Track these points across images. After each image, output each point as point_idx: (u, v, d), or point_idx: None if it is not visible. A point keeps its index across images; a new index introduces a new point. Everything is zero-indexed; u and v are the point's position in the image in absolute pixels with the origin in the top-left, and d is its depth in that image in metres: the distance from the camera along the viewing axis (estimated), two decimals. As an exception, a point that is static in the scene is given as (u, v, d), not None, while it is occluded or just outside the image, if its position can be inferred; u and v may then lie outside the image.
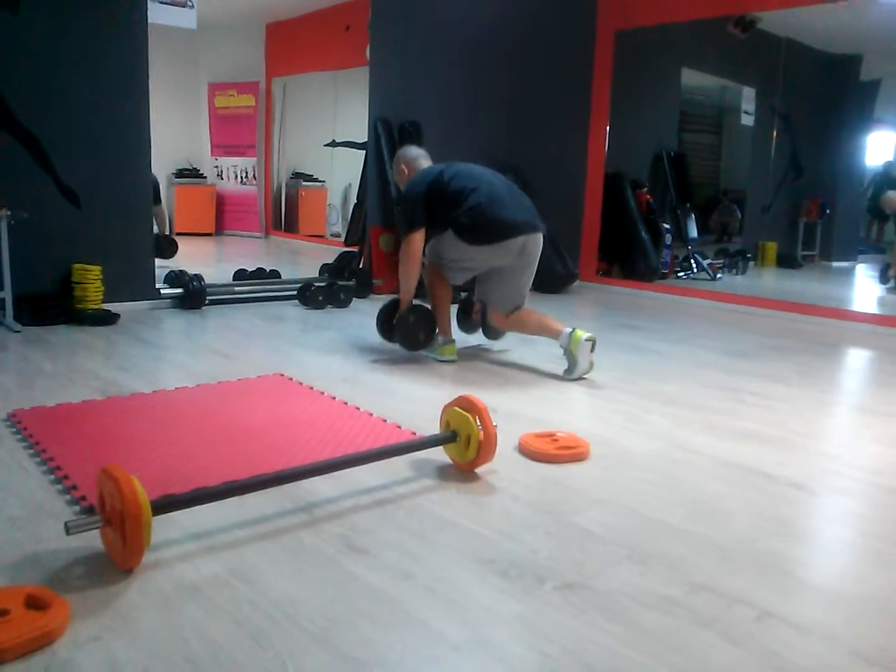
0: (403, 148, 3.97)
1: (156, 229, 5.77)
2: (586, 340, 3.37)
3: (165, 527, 1.80)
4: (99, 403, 2.81)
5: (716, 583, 1.69)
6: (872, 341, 4.77)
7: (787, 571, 1.77)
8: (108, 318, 4.23)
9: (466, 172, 3.60)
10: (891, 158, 6.09)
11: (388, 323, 3.76)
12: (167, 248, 6.57)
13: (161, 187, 8.52)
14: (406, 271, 3.63)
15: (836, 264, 6.71)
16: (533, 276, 3.67)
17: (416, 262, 3.61)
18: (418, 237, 3.56)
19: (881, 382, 3.88)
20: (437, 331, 3.73)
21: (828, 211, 6.42)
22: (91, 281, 4.28)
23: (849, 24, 5.62)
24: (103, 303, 4.35)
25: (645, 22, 6.27)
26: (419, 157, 3.85)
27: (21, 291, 4.07)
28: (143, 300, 4.70)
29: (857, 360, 4.50)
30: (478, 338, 4.11)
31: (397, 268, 5.66)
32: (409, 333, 3.68)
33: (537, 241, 3.58)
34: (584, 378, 3.43)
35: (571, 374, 3.42)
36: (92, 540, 1.70)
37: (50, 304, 4.17)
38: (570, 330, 3.43)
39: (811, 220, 6.47)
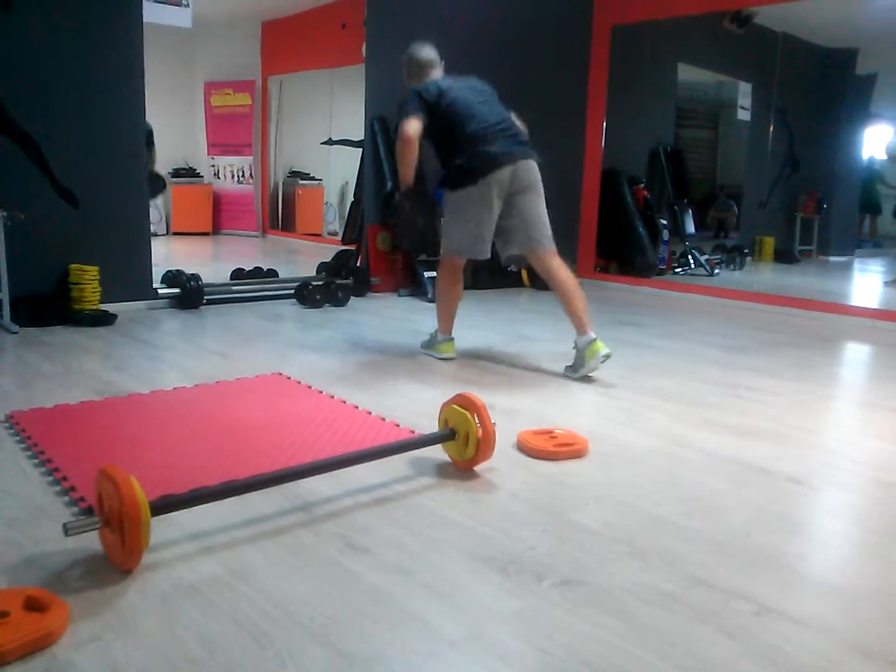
0: (415, 46, 3.72)
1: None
2: (602, 356, 3.34)
3: (164, 527, 1.80)
4: (97, 404, 2.81)
5: (714, 578, 1.69)
6: (871, 336, 4.77)
7: (786, 566, 1.77)
8: (106, 319, 4.23)
9: (462, 104, 3.46)
10: (875, 154, 6.10)
11: (387, 207, 3.68)
12: (154, 183, 6.42)
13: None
14: (402, 156, 3.48)
15: (833, 259, 6.71)
16: (545, 210, 3.56)
17: (411, 146, 3.41)
18: (414, 122, 3.38)
19: (879, 377, 3.88)
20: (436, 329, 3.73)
21: (825, 206, 6.42)
22: (88, 281, 4.28)
23: (845, 18, 5.62)
24: (101, 303, 4.35)
25: (641, 17, 6.27)
26: (429, 66, 3.65)
27: (18, 292, 4.07)
28: (140, 300, 4.70)
29: (855, 354, 4.51)
30: (477, 336, 4.11)
31: (394, 266, 5.74)
32: (408, 221, 3.61)
33: (528, 168, 3.48)
34: (584, 377, 3.43)
35: (573, 372, 3.41)
36: (91, 541, 1.70)
37: (47, 305, 4.17)
38: (594, 337, 3.36)
39: (808, 215, 6.47)
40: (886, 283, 5.78)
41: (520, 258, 3.71)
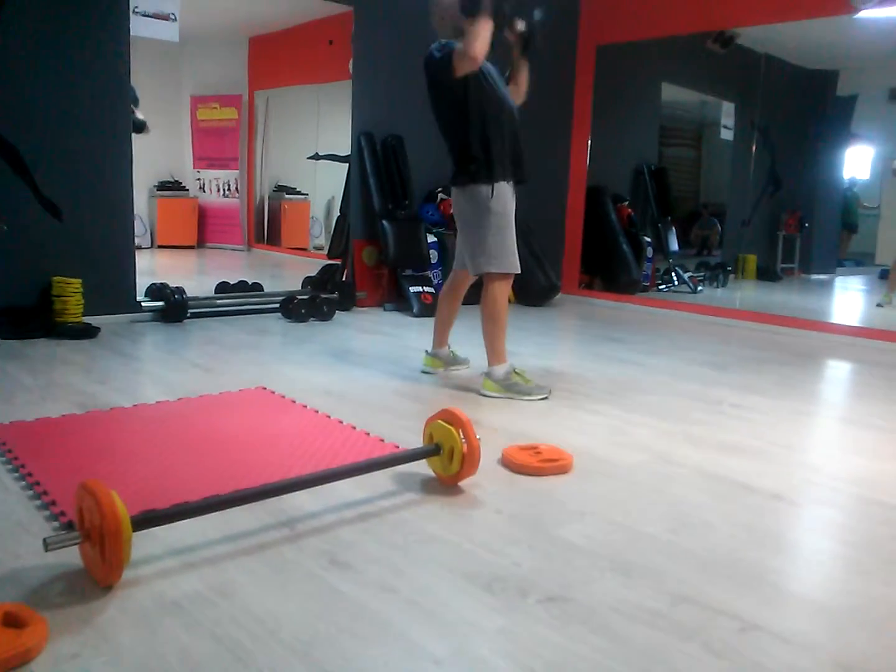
0: None
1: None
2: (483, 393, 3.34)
3: (146, 543, 1.78)
4: (79, 418, 2.78)
5: (699, 594, 1.69)
6: (852, 353, 4.81)
7: (770, 582, 1.78)
8: (89, 332, 4.19)
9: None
10: (854, 174, 6.20)
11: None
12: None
13: (143, 200, 8.51)
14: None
15: (815, 277, 6.79)
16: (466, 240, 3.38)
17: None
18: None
19: (861, 394, 3.92)
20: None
21: (806, 224, 6.50)
22: (71, 294, 4.24)
23: (826, 40, 5.71)
24: (83, 316, 4.31)
25: (626, 37, 6.34)
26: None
27: (0, 304, 4.03)
28: (123, 313, 4.67)
29: (837, 371, 4.55)
30: (461, 351, 4.10)
31: (380, 281, 5.73)
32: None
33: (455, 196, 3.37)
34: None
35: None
36: (71, 556, 1.68)
37: (29, 318, 4.13)
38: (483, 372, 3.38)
39: (790, 233, 6.55)
40: (879, 305, 5.82)
41: None
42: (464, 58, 3.06)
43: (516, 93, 3.48)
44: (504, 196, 3.26)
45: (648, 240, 6.90)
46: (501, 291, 3.32)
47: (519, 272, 3.35)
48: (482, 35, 3.02)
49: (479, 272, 3.34)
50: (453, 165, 3.32)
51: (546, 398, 3.30)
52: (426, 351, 3.72)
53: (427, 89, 3.32)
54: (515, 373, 3.34)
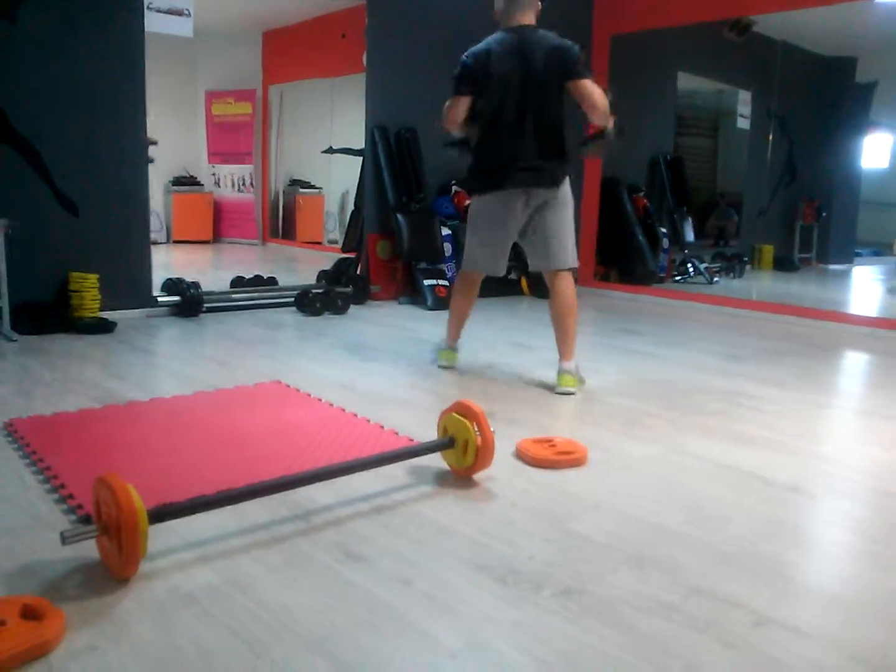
0: None
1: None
2: (559, 391, 3.27)
3: (162, 536, 1.79)
4: (96, 412, 2.80)
5: (713, 587, 1.68)
6: (870, 344, 4.77)
7: (785, 575, 1.76)
8: (106, 327, 4.22)
9: (495, 81, 3.24)
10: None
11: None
12: None
13: (158, 195, 8.56)
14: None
15: (832, 267, 6.73)
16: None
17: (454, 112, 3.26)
18: (462, 101, 3.26)
19: (879, 385, 3.88)
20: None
21: (824, 214, 6.44)
22: (88, 289, 4.28)
23: (844, 26, 5.64)
24: (100, 311, 4.34)
25: (641, 26, 6.29)
26: (511, 9, 3.32)
27: (18, 300, 4.07)
28: (140, 308, 4.69)
29: (854, 362, 4.51)
30: (477, 345, 4.09)
31: (394, 274, 5.73)
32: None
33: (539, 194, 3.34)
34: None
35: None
36: (88, 549, 1.69)
37: (47, 313, 4.16)
38: (562, 369, 3.31)
39: (807, 223, 6.49)
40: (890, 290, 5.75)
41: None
42: (594, 108, 3.18)
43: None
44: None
45: (664, 230, 6.86)
46: (574, 286, 3.39)
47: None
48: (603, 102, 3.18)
49: (569, 266, 3.36)
50: (548, 157, 3.29)
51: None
52: (445, 346, 3.68)
53: (542, 68, 3.24)
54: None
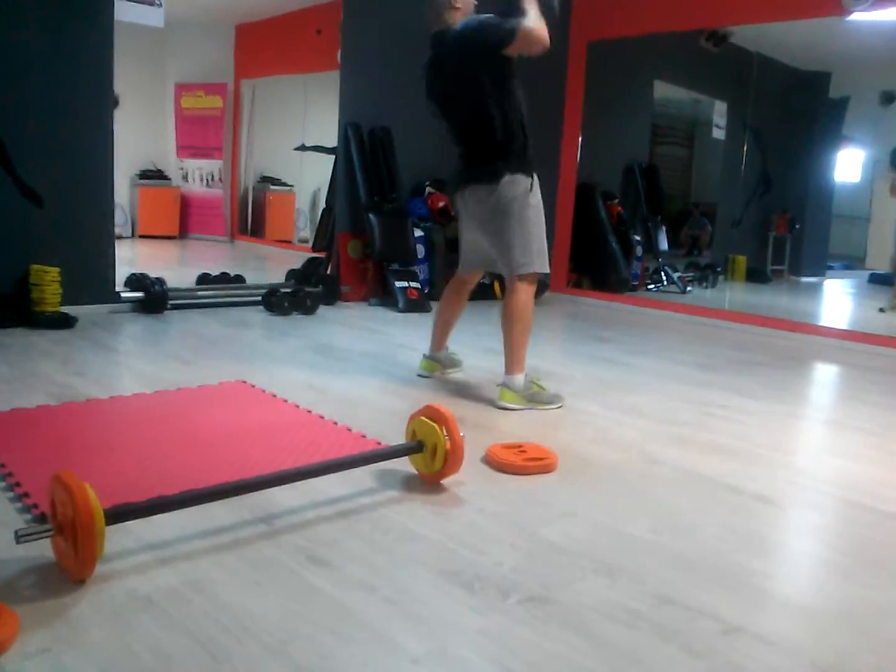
0: None
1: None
2: (500, 405, 3.14)
3: (120, 537, 1.75)
4: (54, 409, 2.73)
5: (681, 596, 1.67)
6: (840, 356, 4.82)
7: (753, 584, 1.76)
8: (66, 322, 4.13)
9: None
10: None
11: None
12: None
13: (124, 189, 8.42)
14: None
15: (804, 279, 6.81)
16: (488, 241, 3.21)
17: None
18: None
19: (848, 397, 3.92)
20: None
21: (797, 226, 6.51)
22: (49, 283, 4.17)
23: (818, 41, 5.72)
24: (61, 306, 4.24)
25: (618, 33, 6.32)
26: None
27: (-24, 293, 3.97)
28: (102, 303, 4.60)
29: (824, 374, 4.55)
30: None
31: (365, 275, 5.69)
32: None
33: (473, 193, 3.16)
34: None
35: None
36: (43, 549, 1.64)
37: (6, 307, 4.06)
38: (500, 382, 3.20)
39: (780, 234, 6.56)
40: (882, 310, 5.78)
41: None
42: (533, 41, 2.90)
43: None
44: (538, 191, 3.13)
45: (638, 238, 6.90)
46: (530, 294, 3.13)
47: (548, 272, 3.22)
48: (540, 22, 2.91)
49: (518, 273, 3.09)
50: (478, 156, 3.11)
51: (561, 407, 3.16)
52: (423, 354, 3.61)
53: (452, 66, 3.09)
54: (532, 381, 3.16)
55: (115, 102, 5.39)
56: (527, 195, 3.08)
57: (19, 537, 1.54)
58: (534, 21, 2.91)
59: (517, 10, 2.93)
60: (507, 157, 3.05)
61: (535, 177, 3.14)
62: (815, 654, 1.49)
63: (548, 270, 3.22)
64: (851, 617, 1.64)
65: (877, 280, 6.08)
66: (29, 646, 1.36)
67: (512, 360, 3.13)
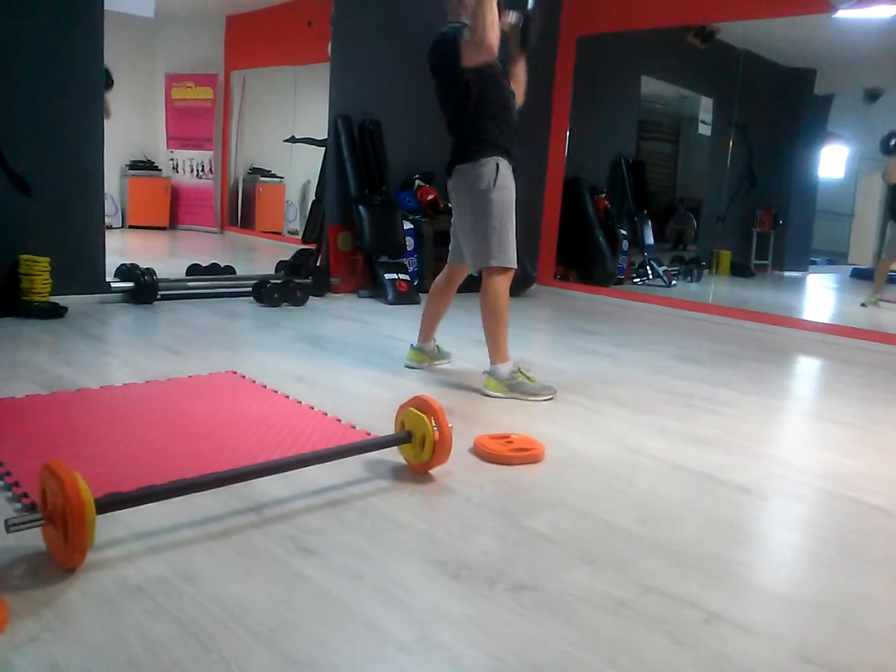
0: None
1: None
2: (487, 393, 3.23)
3: (110, 526, 1.76)
4: (44, 398, 2.73)
5: (665, 585, 1.70)
6: (822, 350, 4.87)
7: (735, 574, 1.79)
8: (56, 312, 4.12)
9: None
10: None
11: None
12: None
13: (114, 179, 8.37)
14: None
15: (788, 274, 6.86)
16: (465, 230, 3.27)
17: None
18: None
19: (830, 390, 3.96)
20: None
21: (780, 222, 6.56)
22: (38, 273, 4.16)
23: (804, 38, 5.75)
24: (51, 295, 4.23)
25: (607, 28, 6.33)
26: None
27: (-35, 282, 3.96)
28: (92, 293, 4.59)
29: (806, 367, 4.60)
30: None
31: (355, 267, 5.70)
32: None
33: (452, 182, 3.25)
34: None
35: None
36: (33, 538, 1.65)
37: (-5, 296, 4.05)
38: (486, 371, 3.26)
39: (764, 230, 6.60)
40: (863, 304, 5.83)
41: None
42: (477, 47, 2.92)
43: (516, 91, 3.32)
44: (507, 184, 3.15)
45: (624, 233, 6.92)
46: (503, 286, 3.19)
47: (516, 267, 3.24)
48: (489, 17, 2.86)
49: (481, 267, 3.20)
50: (455, 151, 3.20)
51: (552, 398, 3.20)
52: (411, 345, 3.63)
53: (432, 72, 3.19)
54: (520, 371, 3.21)
55: (110, 83, 5.34)
56: (491, 188, 3.11)
57: (9, 526, 1.54)
58: (472, 33, 2.94)
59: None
60: (469, 148, 3.14)
61: (506, 168, 3.15)
62: (796, 642, 1.52)
63: (514, 265, 3.21)
64: (833, 606, 1.67)
65: (859, 275, 6.14)
66: (18, 635, 1.37)
67: (492, 351, 3.23)
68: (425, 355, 3.61)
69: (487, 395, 3.19)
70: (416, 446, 2.23)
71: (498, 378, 3.19)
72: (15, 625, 1.39)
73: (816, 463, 2.66)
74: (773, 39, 5.77)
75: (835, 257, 6.43)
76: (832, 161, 6.19)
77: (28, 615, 1.43)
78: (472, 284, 3.52)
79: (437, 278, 3.60)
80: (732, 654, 1.45)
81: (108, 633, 1.39)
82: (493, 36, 2.89)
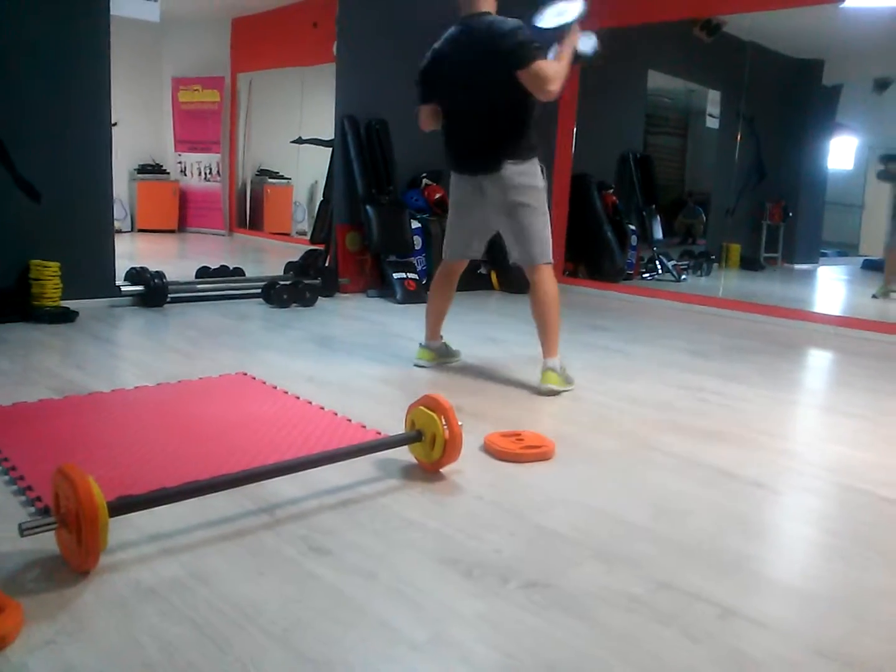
0: None
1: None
2: (545, 390, 3.20)
3: (123, 528, 1.76)
4: (56, 403, 2.74)
5: (678, 581, 1.69)
6: (833, 342, 4.84)
7: (749, 569, 1.78)
8: (67, 316, 4.14)
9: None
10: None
11: None
12: None
13: (123, 183, 8.43)
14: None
15: (798, 266, 6.83)
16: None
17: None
18: (424, 109, 3.35)
19: (842, 383, 3.94)
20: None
21: (790, 214, 6.53)
22: (49, 278, 4.18)
23: (811, 29, 5.72)
24: (62, 300, 4.25)
25: (612, 23, 6.29)
26: None
27: (-24, 288, 3.98)
28: (102, 297, 4.61)
29: (818, 360, 4.57)
30: (446, 339, 4.08)
31: (363, 267, 5.70)
32: None
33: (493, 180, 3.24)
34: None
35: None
36: (47, 542, 1.65)
37: (6, 302, 4.07)
38: (545, 366, 3.25)
39: (774, 222, 6.58)
40: (875, 296, 5.81)
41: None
42: (543, 94, 3.02)
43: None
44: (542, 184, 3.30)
45: (633, 228, 6.91)
46: (554, 281, 3.28)
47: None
48: (564, 75, 3.05)
49: (538, 262, 3.24)
50: (500, 147, 3.18)
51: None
52: (420, 343, 3.63)
53: (485, 66, 3.12)
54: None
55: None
56: (544, 189, 3.28)
57: (23, 530, 1.54)
58: (554, 70, 3.01)
59: (551, 48, 3.10)
60: (522, 145, 3.21)
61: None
62: (811, 636, 1.51)
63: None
64: (847, 600, 1.66)
65: (870, 266, 6.11)
66: (34, 638, 1.38)
67: (551, 344, 3.26)
68: (434, 353, 3.61)
69: (550, 392, 3.18)
70: (427, 445, 2.23)
71: (559, 372, 3.23)
72: (30, 628, 1.40)
73: (828, 456, 2.64)
74: (780, 31, 5.74)
75: (845, 249, 6.40)
76: (841, 152, 6.16)
77: (43, 618, 1.43)
78: (474, 282, 3.53)
79: (436, 276, 3.62)
80: (747, 649, 1.45)
81: (122, 636, 1.40)
82: (560, 88, 3.03)
